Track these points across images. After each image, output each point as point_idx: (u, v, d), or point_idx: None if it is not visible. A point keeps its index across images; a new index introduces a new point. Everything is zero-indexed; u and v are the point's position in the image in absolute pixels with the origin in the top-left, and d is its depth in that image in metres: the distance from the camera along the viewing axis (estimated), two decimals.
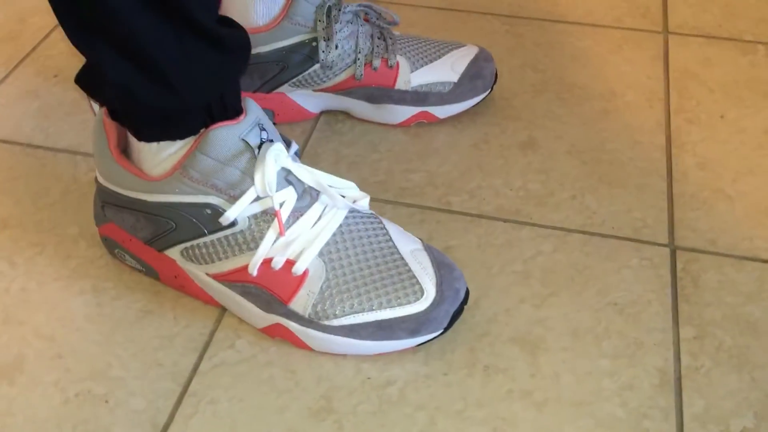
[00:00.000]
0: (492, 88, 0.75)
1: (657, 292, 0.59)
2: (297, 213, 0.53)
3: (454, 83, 0.72)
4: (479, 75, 0.73)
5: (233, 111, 0.52)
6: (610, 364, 0.55)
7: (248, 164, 0.51)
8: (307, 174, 0.53)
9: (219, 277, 0.55)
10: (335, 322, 0.53)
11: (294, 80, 0.71)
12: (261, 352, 0.55)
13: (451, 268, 0.55)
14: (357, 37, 0.70)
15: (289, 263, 0.53)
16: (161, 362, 0.55)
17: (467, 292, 0.55)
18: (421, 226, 0.65)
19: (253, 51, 0.68)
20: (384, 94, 0.72)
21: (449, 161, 0.71)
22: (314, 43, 0.68)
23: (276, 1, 0.67)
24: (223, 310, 0.58)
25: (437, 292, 0.53)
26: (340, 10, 0.68)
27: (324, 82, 0.71)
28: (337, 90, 0.72)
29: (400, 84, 0.71)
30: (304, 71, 0.70)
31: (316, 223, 0.54)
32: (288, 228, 0.53)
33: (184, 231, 0.54)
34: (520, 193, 0.68)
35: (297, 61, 0.69)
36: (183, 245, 0.55)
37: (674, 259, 0.62)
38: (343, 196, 0.55)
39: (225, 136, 0.51)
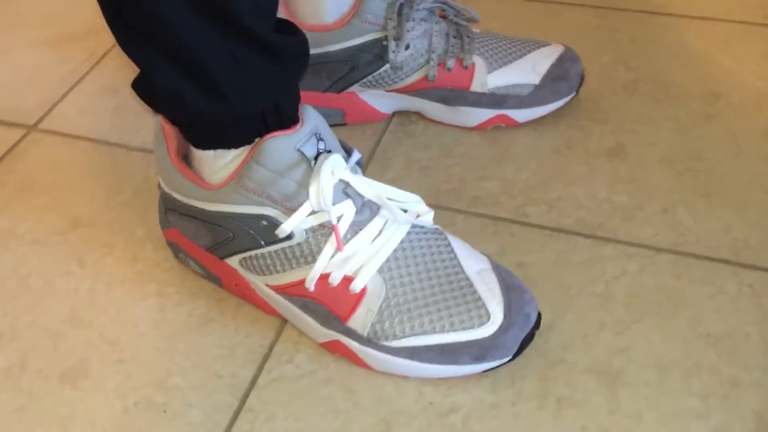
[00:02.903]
0: (578, 91, 0.70)
1: (758, 324, 0.53)
2: (356, 227, 0.51)
3: (535, 85, 0.68)
4: (563, 77, 0.68)
5: (289, 120, 0.49)
6: (699, 404, 0.49)
7: (304, 176, 0.49)
8: (367, 187, 0.50)
9: (278, 289, 0.53)
10: (395, 344, 0.50)
11: (364, 80, 0.68)
12: (321, 368, 0.53)
13: (522, 290, 0.51)
14: (431, 36, 0.66)
15: (347, 280, 0.50)
16: (220, 373, 0.54)
17: (539, 317, 0.51)
18: (493, 239, 0.61)
19: (322, 50, 0.66)
20: (458, 95, 0.68)
21: (528, 168, 0.67)
22: (385, 42, 0.65)
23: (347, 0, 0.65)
24: (284, 320, 0.56)
25: (505, 316, 0.49)
26: (412, 7, 0.64)
27: (395, 82, 0.68)
28: (409, 91, 0.69)
29: (476, 86, 0.67)
30: (375, 71, 0.67)
31: (376, 238, 0.51)
32: (346, 243, 0.50)
33: (242, 241, 0.52)
34: (605, 205, 0.63)
35: (366, 61, 0.66)
36: (242, 255, 0.53)
37: None
38: (406, 211, 0.52)
39: (280, 146, 0.48)
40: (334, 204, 0.49)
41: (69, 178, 0.70)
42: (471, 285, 0.50)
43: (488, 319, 0.49)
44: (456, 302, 0.50)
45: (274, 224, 0.50)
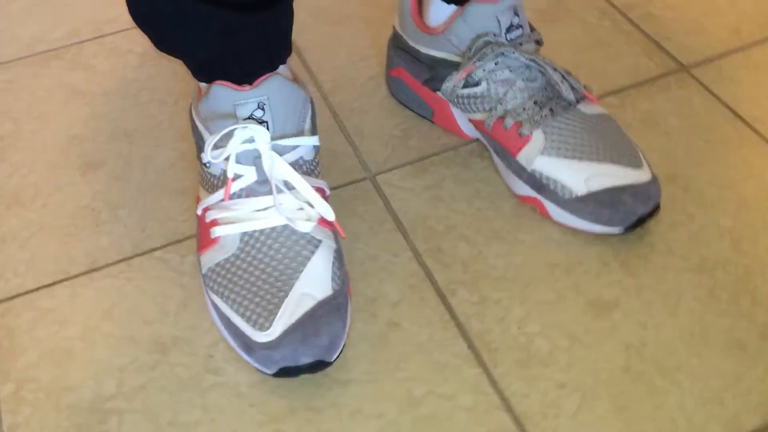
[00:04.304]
0: (628, 230, 0.61)
1: None
2: (250, 192, 0.56)
3: (577, 196, 0.61)
4: (612, 206, 0.60)
5: (236, 78, 0.55)
6: None
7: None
8: (271, 166, 0.54)
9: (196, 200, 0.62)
10: (210, 294, 0.56)
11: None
12: (190, 277, 0.62)
13: (317, 335, 0.52)
14: (510, 88, 0.63)
15: (214, 223, 0.57)
16: (147, 231, 0.65)
17: (319, 363, 0.52)
18: (405, 290, 0.61)
19: (416, 46, 0.68)
20: (506, 156, 0.65)
21: (510, 261, 0.62)
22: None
23: (447, 11, 0.64)
24: None
25: (276, 340, 0.52)
26: (495, 51, 0.61)
27: (463, 111, 0.67)
28: (476, 127, 0.67)
29: (521, 158, 0.63)
30: None
31: (259, 211, 0.56)
32: (235, 198, 0.56)
33: (198, 149, 0.62)
34: (521, 338, 0.57)
35: (443, 76, 0.66)
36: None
37: None
38: (302, 209, 0.56)
39: (220, 96, 0.55)
40: (240, 163, 0.56)
41: None
42: (284, 298, 0.53)
43: (267, 329, 0.52)
44: (261, 301, 0.54)
45: (201, 149, 0.58)
